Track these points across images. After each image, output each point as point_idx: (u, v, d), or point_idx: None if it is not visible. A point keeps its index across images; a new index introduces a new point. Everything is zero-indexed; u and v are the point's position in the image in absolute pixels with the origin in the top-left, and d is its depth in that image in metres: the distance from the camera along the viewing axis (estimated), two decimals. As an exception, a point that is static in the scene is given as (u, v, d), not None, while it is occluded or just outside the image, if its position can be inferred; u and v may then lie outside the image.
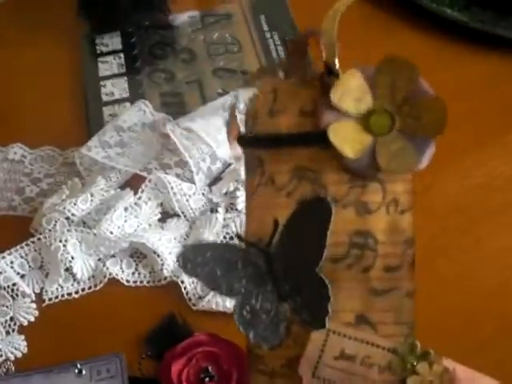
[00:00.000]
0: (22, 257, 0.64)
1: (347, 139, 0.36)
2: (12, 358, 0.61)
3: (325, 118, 0.37)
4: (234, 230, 0.63)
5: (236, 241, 0.39)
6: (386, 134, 0.36)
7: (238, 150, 0.41)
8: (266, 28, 0.82)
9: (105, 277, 0.63)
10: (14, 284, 0.63)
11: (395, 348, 0.37)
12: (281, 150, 0.38)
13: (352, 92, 0.37)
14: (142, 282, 0.63)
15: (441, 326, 0.57)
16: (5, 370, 0.60)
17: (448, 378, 0.36)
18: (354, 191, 0.37)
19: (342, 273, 0.37)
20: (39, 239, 0.64)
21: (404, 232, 0.37)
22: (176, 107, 0.74)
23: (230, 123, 0.42)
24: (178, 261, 0.38)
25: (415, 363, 0.37)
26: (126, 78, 0.78)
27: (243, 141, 0.40)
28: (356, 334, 0.37)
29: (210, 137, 0.66)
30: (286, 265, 0.38)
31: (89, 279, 0.63)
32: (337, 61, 0.38)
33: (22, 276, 0.64)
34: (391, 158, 0.36)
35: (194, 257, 0.38)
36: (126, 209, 0.64)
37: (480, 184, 0.69)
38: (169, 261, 0.62)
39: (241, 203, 0.64)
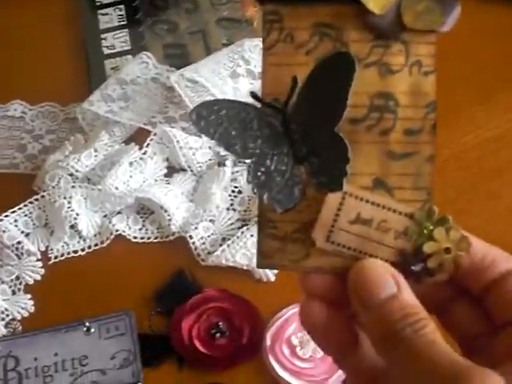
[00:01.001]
0: (25, 215, 0.63)
1: None
2: (19, 317, 0.60)
3: None
4: (242, 184, 0.62)
5: (251, 100, 0.36)
6: None
7: (252, 10, 0.39)
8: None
9: (111, 233, 0.61)
10: (18, 242, 0.61)
11: (412, 213, 0.35)
12: (301, 5, 0.37)
13: None
14: (149, 238, 0.62)
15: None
16: (12, 329, 0.60)
17: (466, 246, 0.35)
18: (376, 51, 0.36)
19: (361, 135, 0.36)
20: (43, 196, 0.63)
21: (426, 95, 0.36)
22: (179, 59, 0.72)
23: None
24: (191, 117, 0.35)
25: (432, 228, 0.35)
26: (127, 30, 0.75)
27: None
28: (373, 197, 0.36)
29: (216, 88, 0.64)
30: (303, 125, 0.36)
31: (95, 236, 0.62)
32: None
33: (27, 234, 0.63)
34: (417, 16, 0.35)
35: (207, 114, 0.35)
36: (131, 164, 0.63)
37: (493, 136, 0.67)
38: (176, 216, 0.60)
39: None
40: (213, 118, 0.35)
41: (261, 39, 0.37)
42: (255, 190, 0.36)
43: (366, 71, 0.36)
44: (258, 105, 0.36)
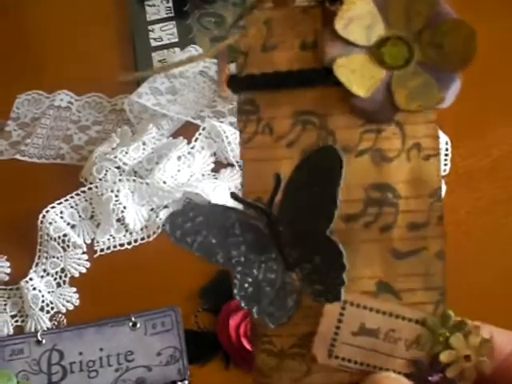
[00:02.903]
0: (72, 207, 0.63)
1: (357, 75, 0.31)
2: (63, 310, 0.59)
3: (329, 50, 0.31)
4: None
5: (231, 202, 0.32)
6: (403, 68, 0.31)
7: (229, 93, 0.36)
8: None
9: (158, 228, 0.61)
10: (64, 235, 0.61)
11: (424, 319, 0.32)
12: (279, 92, 0.33)
13: (360, 18, 0.31)
14: (196, 233, 0.61)
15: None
16: (56, 322, 0.59)
17: (488, 350, 0.31)
18: (367, 136, 0.32)
19: (359, 234, 0.32)
20: (90, 189, 0.62)
21: (430, 182, 0.32)
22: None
23: (220, 63, 0.37)
24: (164, 228, 0.32)
25: (448, 335, 0.32)
26: (174, 22, 0.75)
27: (234, 82, 0.34)
28: (377, 304, 0.32)
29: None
30: (291, 227, 0.32)
31: (141, 230, 0.62)
32: None
33: (73, 226, 0.62)
34: (410, 96, 0.31)
35: (182, 222, 0.31)
36: (179, 158, 0.62)
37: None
38: (224, 212, 0.59)
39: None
40: (189, 225, 0.31)
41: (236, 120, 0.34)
42: (242, 304, 0.32)
43: (358, 160, 0.32)
44: (239, 206, 0.32)
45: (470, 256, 0.56)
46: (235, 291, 0.32)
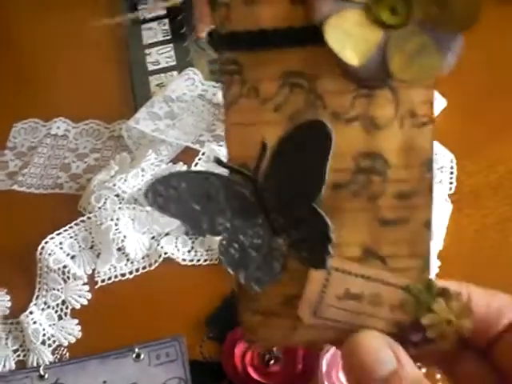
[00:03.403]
0: (71, 237, 0.61)
1: (349, 37, 0.28)
2: (66, 343, 0.58)
3: (320, 7, 0.29)
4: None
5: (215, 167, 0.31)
6: (401, 27, 0.28)
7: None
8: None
9: (160, 256, 0.60)
10: (64, 266, 0.60)
11: (408, 285, 0.31)
12: (265, 52, 0.30)
13: None
14: (198, 260, 0.60)
15: None
16: (59, 356, 0.58)
17: (468, 314, 0.31)
18: (359, 102, 0.30)
19: (346, 201, 0.31)
20: (89, 218, 0.61)
21: (422, 151, 0.30)
22: (225, 75, 0.70)
23: (199, 7, 0.33)
24: (145, 196, 0.30)
25: (431, 301, 0.31)
26: (172, 45, 0.74)
27: (214, 40, 0.31)
28: (363, 270, 0.31)
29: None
30: (277, 196, 0.31)
31: (143, 259, 0.60)
32: None
33: (73, 257, 0.61)
34: (407, 61, 0.28)
35: (164, 190, 0.30)
36: (179, 184, 0.61)
37: None
38: (227, 238, 0.58)
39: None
40: (171, 193, 0.30)
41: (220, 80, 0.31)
42: (229, 270, 0.31)
43: (348, 128, 0.30)
44: (223, 173, 0.31)
45: (479, 274, 0.55)
46: (221, 257, 0.31)
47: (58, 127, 0.70)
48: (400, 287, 0.31)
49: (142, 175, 0.61)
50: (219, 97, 0.62)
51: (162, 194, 0.30)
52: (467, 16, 0.28)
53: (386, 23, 0.29)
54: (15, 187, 0.66)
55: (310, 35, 0.29)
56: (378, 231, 0.31)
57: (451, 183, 0.61)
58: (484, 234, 0.59)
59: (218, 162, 0.30)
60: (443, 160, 0.61)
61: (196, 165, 0.62)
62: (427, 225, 0.31)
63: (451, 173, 0.61)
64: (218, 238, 0.55)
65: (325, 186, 0.30)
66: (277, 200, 0.31)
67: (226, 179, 0.31)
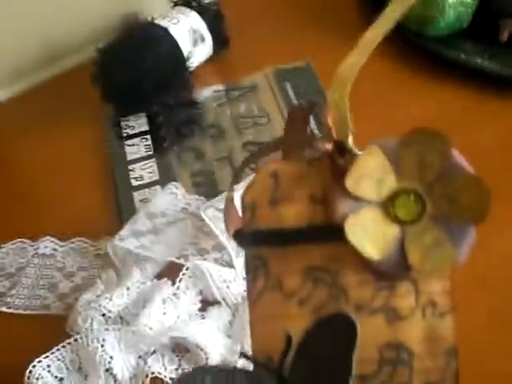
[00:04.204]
0: (59, 359, 0.61)
1: (368, 233, 0.30)
2: None
3: (339, 207, 0.31)
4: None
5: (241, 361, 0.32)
6: (416, 223, 0.30)
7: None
8: (292, 96, 0.79)
9: (147, 376, 0.59)
10: (52, 390, 0.59)
11: None
12: (288, 248, 0.32)
13: (371, 173, 0.30)
14: (186, 378, 0.59)
15: None
16: None
17: None
18: (380, 294, 0.31)
19: None
20: (75, 340, 0.61)
21: (444, 340, 0.31)
22: (207, 186, 0.71)
23: (227, 211, 0.35)
24: None
25: None
26: (154, 159, 0.75)
27: (241, 238, 0.33)
28: None
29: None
30: None
31: (130, 379, 0.60)
32: (350, 138, 0.31)
33: (61, 379, 0.61)
34: (425, 254, 0.30)
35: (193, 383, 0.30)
36: (164, 301, 0.61)
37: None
38: (213, 354, 0.58)
39: (285, 286, 0.61)
40: None
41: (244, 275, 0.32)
42: None
43: (372, 319, 0.31)
44: (248, 366, 0.31)
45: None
46: None
47: (46, 246, 0.71)
48: None
49: (128, 294, 0.62)
50: (201, 211, 0.63)
51: None
52: (476, 210, 0.30)
53: (401, 220, 0.30)
54: (4, 309, 0.67)
55: (331, 233, 0.31)
56: None
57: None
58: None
59: (244, 355, 0.32)
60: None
61: (180, 280, 0.62)
62: None
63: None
64: (203, 355, 0.54)
65: (352, 378, 0.30)
66: None
67: (250, 374, 0.31)
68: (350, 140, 0.31)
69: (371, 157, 0.31)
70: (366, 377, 0.31)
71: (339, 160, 0.31)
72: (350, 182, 0.31)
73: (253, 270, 0.32)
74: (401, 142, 0.31)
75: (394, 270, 0.30)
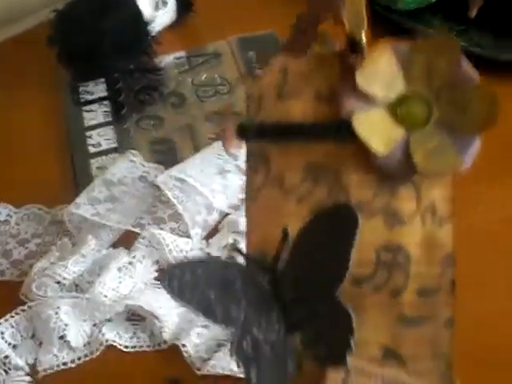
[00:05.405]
0: (12, 326, 0.60)
1: (375, 131, 0.30)
2: None
3: (347, 104, 0.30)
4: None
5: (234, 256, 0.31)
6: (421, 128, 0.30)
7: (236, 146, 0.33)
8: (256, 66, 0.79)
9: (101, 344, 0.59)
10: (5, 357, 0.59)
11: None
12: (291, 144, 0.31)
13: (382, 73, 0.30)
14: (141, 346, 0.59)
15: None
16: None
17: None
18: (382, 196, 0.30)
19: (367, 298, 0.31)
20: (30, 307, 0.60)
21: (443, 247, 0.30)
22: (167, 155, 0.71)
23: (225, 119, 0.35)
24: (161, 280, 0.30)
25: None
26: (112, 126, 0.74)
27: (244, 130, 0.32)
28: (382, 372, 0.30)
29: (205, 187, 0.62)
30: (296, 286, 0.30)
31: (84, 346, 0.60)
32: (364, 34, 0.31)
33: (14, 347, 0.60)
34: (428, 157, 0.29)
35: (181, 274, 0.29)
36: (119, 269, 0.61)
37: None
38: (168, 323, 0.58)
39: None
40: (187, 278, 0.29)
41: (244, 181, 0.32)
42: (241, 365, 0.30)
43: (371, 221, 0.30)
44: (241, 260, 0.31)
45: None
46: (232, 351, 0.30)
47: (0, 212, 0.70)
48: None
49: (83, 261, 0.61)
50: (158, 181, 0.63)
51: (178, 278, 0.29)
52: (485, 119, 0.30)
53: (407, 123, 0.30)
54: (-44, 276, 0.66)
55: (336, 130, 0.30)
56: (398, 330, 0.30)
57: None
58: None
59: (237, 250, 0.31)
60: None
61: (136, 249, 0.62)
62: (448, 324, 0.31)
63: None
64: (158, 324, 0.54)
65: (348, 272, 0.29)
66: (295, 291, 0.30)
67: (244, 268, 0.30)
68: (363, 36, 0.31)
69: (383, 57, 0.30)
70: (361, 278, 0.30)
71: (350, 57, 0.31)
72: (360, 79, 0.30)
73: (253, 165, 0.31)
74: (412, 47, 0.30)
75: (398, 170, 0.30)
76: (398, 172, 0.30)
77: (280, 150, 0.31)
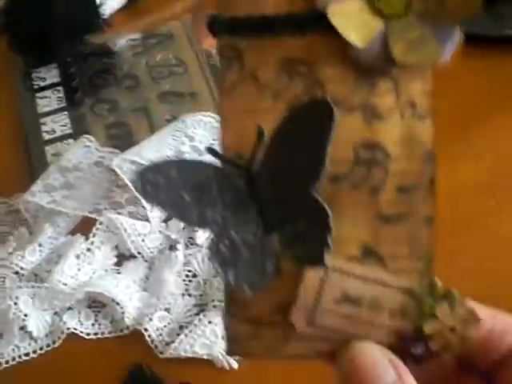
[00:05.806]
0: (-29, 318, 0.60)
1: (352, 23, 0.29)
2: (-29, 431, 0.56)
3: None
4: (196, 267, 0.59)
5: (208, 156, 0.29)
6: (401, 18, 0.29)
7: (210, 41, 0.32)
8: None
9: (63, 332, 0.58)
10: (-34, 350, 0.58)
11: (410, 288, 0.30)
12: (265, 38, 0.30)
13: None
14: (103, 333, 0.59)
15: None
16: None
17: (474, 322, 0.29)
18: (359, 91, 0.29)
19: (346, 195, 0.30)
20: (-13, 299, 0.59)
21: (422, 143, 0.30)
22: (123, 138, 0.70)
23: (196, 14, 0.33)
24: (134, 183, 0.29)
25: (434, 305, 0.30)
26: (66, 112, 0.73)
27: (215, 25, 0.31)
28: (361, 271, 0.30)
29: (161, 169, 0.62)
30: (273, 186, 0.29)
31: (46, 336, 0.59)
32: None
33: (-26, 340, 0.59)
34: (408, 48, 0.28)
35: (154, 178, 0.28)
36: (77, 256, 0.60)
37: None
38: (129, 308, 0.57)
39: (201, 237, 0.60)
40: (161, 181, 0.29)
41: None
42: (218, 269, 0.29)
43: (348, 117, 0.30)
44: (217, 162, 0.30)
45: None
46: (210, 254, 0.29)
47: (-45, 204, 0.68)
48: (401, 290, 0.30)
49: (40, 250, 0.60)
50: (113, 165, 0.62)
51: (152, 182, 0.29)
52: (466, 8, 0.29)
53: (385, 14, 0.29)
54: None
55: (311, 22, 0.29)
56: (377, 228, 0.30)
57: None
58: None
59: (212, 151, 0.29)
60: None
61: (94, 235, 0.61)
62: (428, 221, 0.30)
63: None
64: (119, 309, 0.53)
65: (325, 169, 0.28)
66: (272, 191, 0.29)
67: (219, 169, 0.29)
68: None
69: None
70: (339, 177, 0.30)
71: None
72: None
73: (226, 61, 0.30)
74: None
75: (376, 63, 0.29)
76: (376, 65, 0.29)
77: (253, 44, 0.30)
